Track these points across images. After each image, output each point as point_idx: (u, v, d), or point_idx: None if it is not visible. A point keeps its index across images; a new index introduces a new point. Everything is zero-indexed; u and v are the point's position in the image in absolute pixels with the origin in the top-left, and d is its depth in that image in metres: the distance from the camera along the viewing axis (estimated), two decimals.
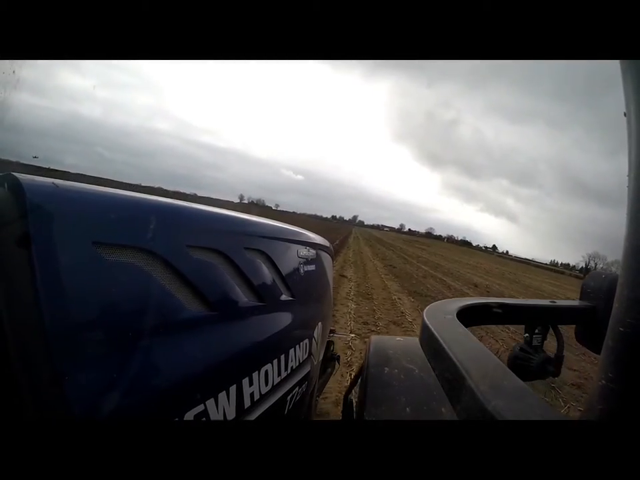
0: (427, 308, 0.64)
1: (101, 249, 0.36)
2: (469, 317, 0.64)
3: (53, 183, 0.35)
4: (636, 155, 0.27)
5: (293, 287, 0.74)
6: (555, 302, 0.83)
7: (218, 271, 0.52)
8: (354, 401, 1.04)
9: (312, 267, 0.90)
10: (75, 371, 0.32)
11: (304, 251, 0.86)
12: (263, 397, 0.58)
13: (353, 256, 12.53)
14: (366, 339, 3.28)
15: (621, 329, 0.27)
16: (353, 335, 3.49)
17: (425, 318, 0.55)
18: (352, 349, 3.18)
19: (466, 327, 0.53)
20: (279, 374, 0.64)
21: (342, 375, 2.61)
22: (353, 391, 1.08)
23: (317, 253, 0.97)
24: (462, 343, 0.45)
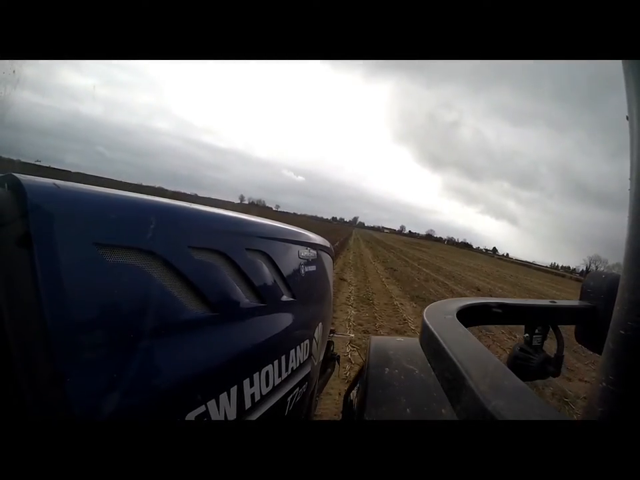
0: (426, 308, 0.64)
1: (102, 249, 0.36)
2: (469, 317, 0.63)
3: (53, 183, 0.35)
4: (638, 158, 0.27)
5: (293, 288, 0.74)
6: (555, 302, 0.83)
7: (219, 272, 0.52)
8: (354, 402, 1.03)
9: (313, 268, 0.90)
10: (76, 372, 0.32)
11: (305, 252, 0.86)
12: (264, 398, 0.58)
13: (353, 258, 12.48)
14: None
15: (622, 332, 0.27)
16: (352, 335, 3.45)
17: (425, 318, 0.55)
18: (351, 362, 2.99)
19: (466, 327, 0.53)
20: (280, 375, 0.64)
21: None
22: (353, 391, 1.07)
23: (317, 254, 0.97)
24: (462, 343, 0.45)
